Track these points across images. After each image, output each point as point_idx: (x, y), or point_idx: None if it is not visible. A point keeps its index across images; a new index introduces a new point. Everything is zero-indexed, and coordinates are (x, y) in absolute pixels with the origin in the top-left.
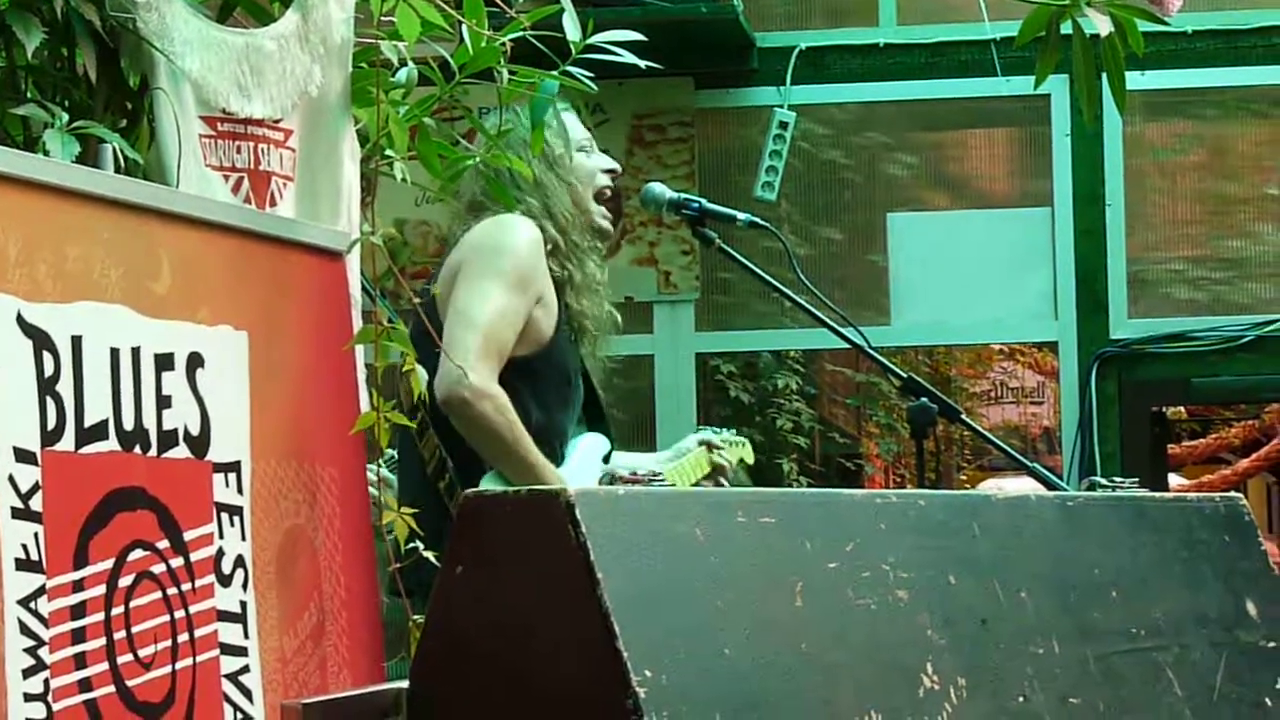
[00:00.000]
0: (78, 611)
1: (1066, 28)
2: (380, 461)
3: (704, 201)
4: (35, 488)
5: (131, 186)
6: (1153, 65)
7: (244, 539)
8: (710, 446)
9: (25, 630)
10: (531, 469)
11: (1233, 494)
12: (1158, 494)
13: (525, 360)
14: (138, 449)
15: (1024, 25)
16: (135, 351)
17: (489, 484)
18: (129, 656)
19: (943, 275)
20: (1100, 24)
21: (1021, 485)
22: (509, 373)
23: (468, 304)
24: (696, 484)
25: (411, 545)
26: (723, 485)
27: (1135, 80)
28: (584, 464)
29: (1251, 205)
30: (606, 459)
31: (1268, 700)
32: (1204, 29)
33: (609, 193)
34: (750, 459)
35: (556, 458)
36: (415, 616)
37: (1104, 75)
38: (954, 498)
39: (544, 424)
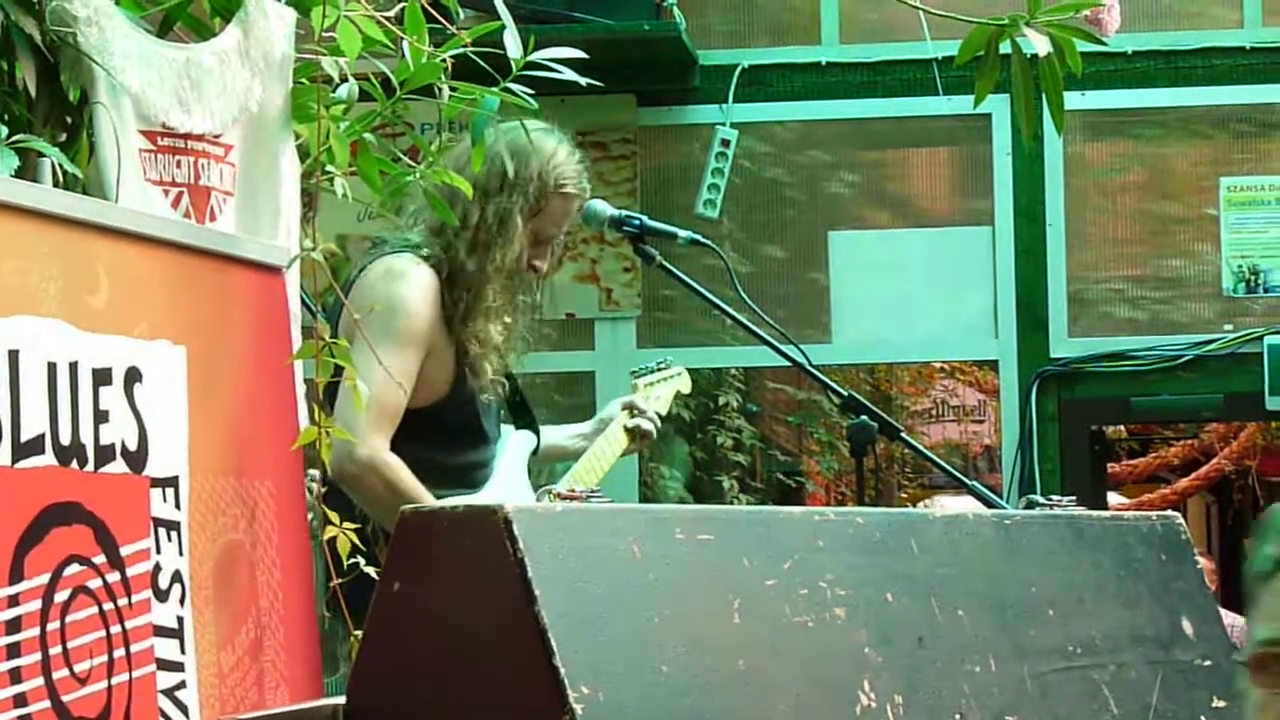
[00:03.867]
0: (12, 626)
1: (1006, 47)
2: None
3: (645, 219)
4: None
5: (70, 201)
6: (1093, 85)
7: (181, 554)
8: (632, 410)
9: None
10: None
11: (1169, 513)
12: (1095, 513)
13: (426, 410)
14: (75, 464)
15: (963, 45)
16: (73, 366)
17: None
18: (65, 671)
19: (884, 293)
20: (1039, 44)
21: (962, 503)
22: (411, 424)
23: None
24: (616, 461)
25: (353, 561)
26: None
27: (1076, 100)
28: (511, 466)
29: (1191, 225)
30: (535, 452)
31: (1203, 718)
32: (1144, 49)
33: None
34: (687, 388)
35: (477, 487)
36: (355, 632)
37: (1043, 95)
38: (892, 515)
39: (457, 465)
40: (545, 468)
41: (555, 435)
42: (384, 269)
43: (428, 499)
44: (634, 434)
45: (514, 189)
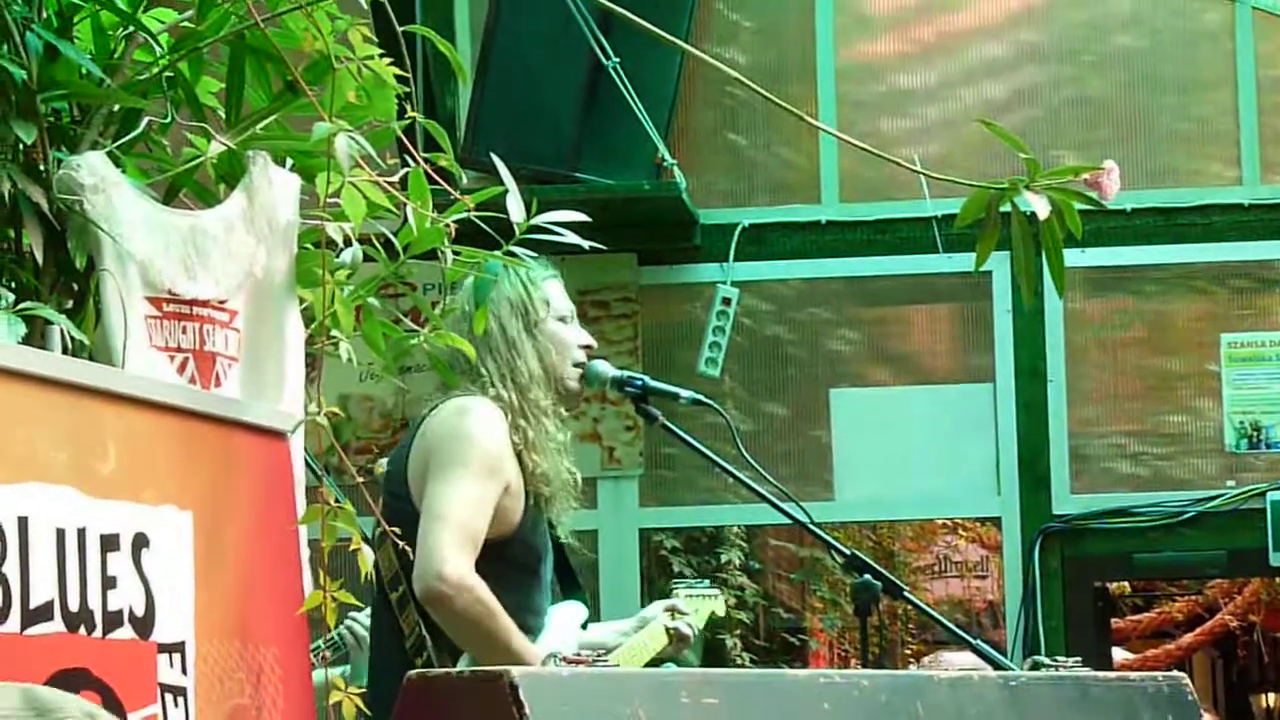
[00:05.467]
0: None
1: (1006, 207)
2: (321, 641)
3: (647, 379)
4: None
5: (77, 367)
6: (1093, 242)
7: (188, 719)
8: (674, 612)
9: None
10: (517, 656)
11: (1175, 673)
12: (1100, 674)
13: (495, 545)
14: (83, 630)
15: (964, 208)
16: (81, 532)
17: (468, 662)
18: None
19: (886, 450)
20: (1039, 207)
21: (966, 660)
22: (480, 559)
23: (439, 498)
24: (654, 658)
25: None
26: (684, 655)
27: (1076, 257)
28: (562, 635)
29: (1192, 381)
30: (584, 626)
31: None
32: (1143, 207)
33: (582, 368)
34: (721, 611)
35: (532, 633)
36: None
37: (1043, 254)
38: (897, 678)
39: (516, 606)
40: None
41: (598, 630)
42: (456, 407)
43: (512, 625)
44: (673, 635)
45: (498, 319)
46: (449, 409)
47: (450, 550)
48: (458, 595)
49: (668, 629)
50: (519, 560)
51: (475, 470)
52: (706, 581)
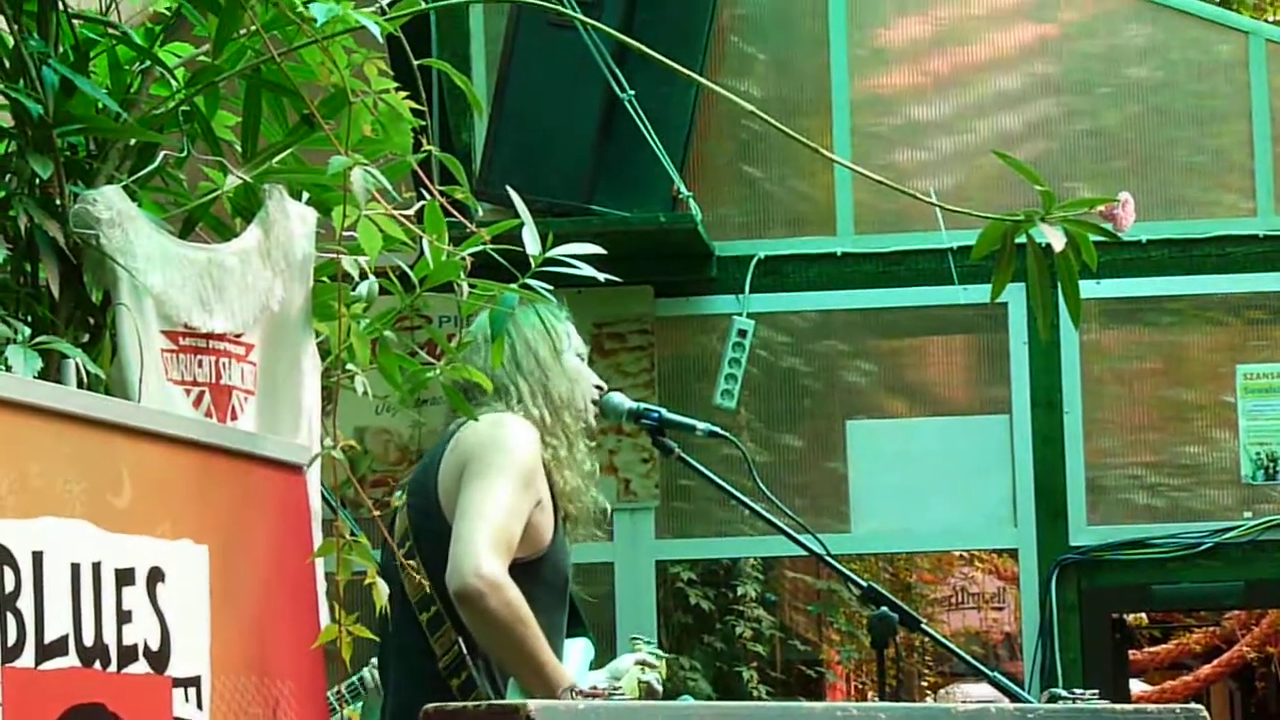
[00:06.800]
0: None
1: (1022, 239)
2: (343, 686)
3: (663, 411)
4: None
5: (93, 402)
6: (1108, 274)
7: None
8: (645, 665)
9: None
10: (543, 667)
11: (1193, 705)
12: (1118, 706)
13: (529, 565)
14: (98, 664)
15: (979, 240)
16: (96, 567)
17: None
18: None
19: (902, 482)
20: (1054, 240)
21: (984, 692)
22: (516, 578)
23: (477, 499)
24: None
25: None
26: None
27: (1091, 289)
28: (578, 672)
29: (1208, 412)
30: (591, 666)
31: None
32: (1158, 238)
33: (596, 404)
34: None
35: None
36: None
37: (1059, 287)
38: (913, 711)
39: (549, 628)
40: None
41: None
42: (492, 420)
43: (540, 634)
44: (644, 690)
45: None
46: (483, 422)
47: (486, 549)
48: (492, 594)
49: (640, 682)
50: (550, 579)
51: (512, 478)
52: (652, 643)
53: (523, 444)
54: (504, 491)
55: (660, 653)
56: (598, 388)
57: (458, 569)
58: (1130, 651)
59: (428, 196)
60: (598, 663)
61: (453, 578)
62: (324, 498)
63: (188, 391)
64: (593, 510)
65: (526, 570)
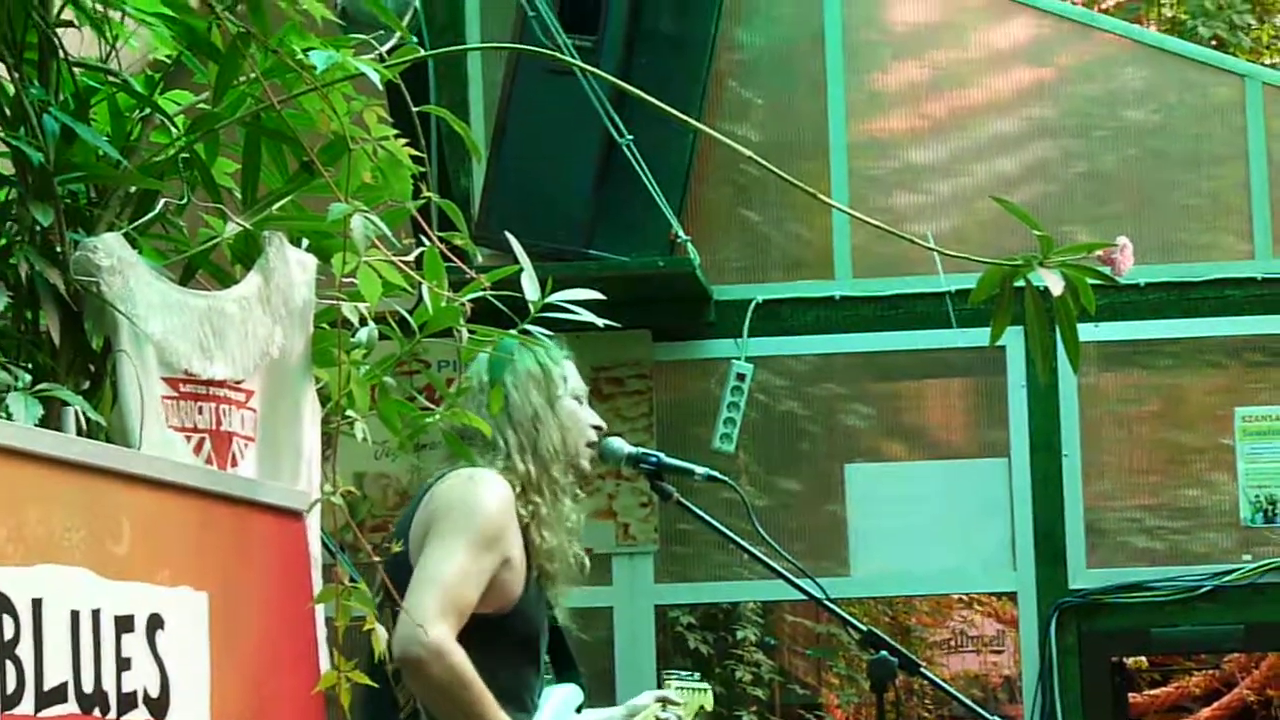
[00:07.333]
0: None
1: (1020, 283)
2: None
3: (662, 456)
4: None
5: (93, 449)
6: (1106, 317)
7: None
8: (666, 703)
9: None
10: None
11: None
12: None
13: (491, 619)
14: (97, 712)
15: (978, 285)
16: (95, 614)
17: None
18: None
19: (901, 526)
20: (1052, 284)
21: None
22: (474, 631)
23: (431, 562)
24: None
25: None
26: None
27: (1089, 332)
28: (557, 717)
29: (1207, 455)
30: (579, 709)
31: None
32: (1156, 281)
33: (595, 447)
34: (710, 705)
35: (529, 712)
36: None
37: (1057, 331)
38: None
39: (511, 682)
40: None
41: (590, 715)
42: (466, 476)
43: (489, 697)
44: None
45: (521, 391)
46: (457, 477)
47: (432, 616)
48: (434, 661)
49: (658, 718)
50: (518, 635)
51: (473, 540)
52: (697, 675)
53: (490, 504)
54: (460, 555)
55: (702, 685)
56: (597, 428)
57: (400, 636)
58: (1130, 695)
59: (427, 242)
60: (598, 706)
61: (395, 644)
62: (324, 543)
63: (188, 438)
64: (572, 569)
65: (492, 626)
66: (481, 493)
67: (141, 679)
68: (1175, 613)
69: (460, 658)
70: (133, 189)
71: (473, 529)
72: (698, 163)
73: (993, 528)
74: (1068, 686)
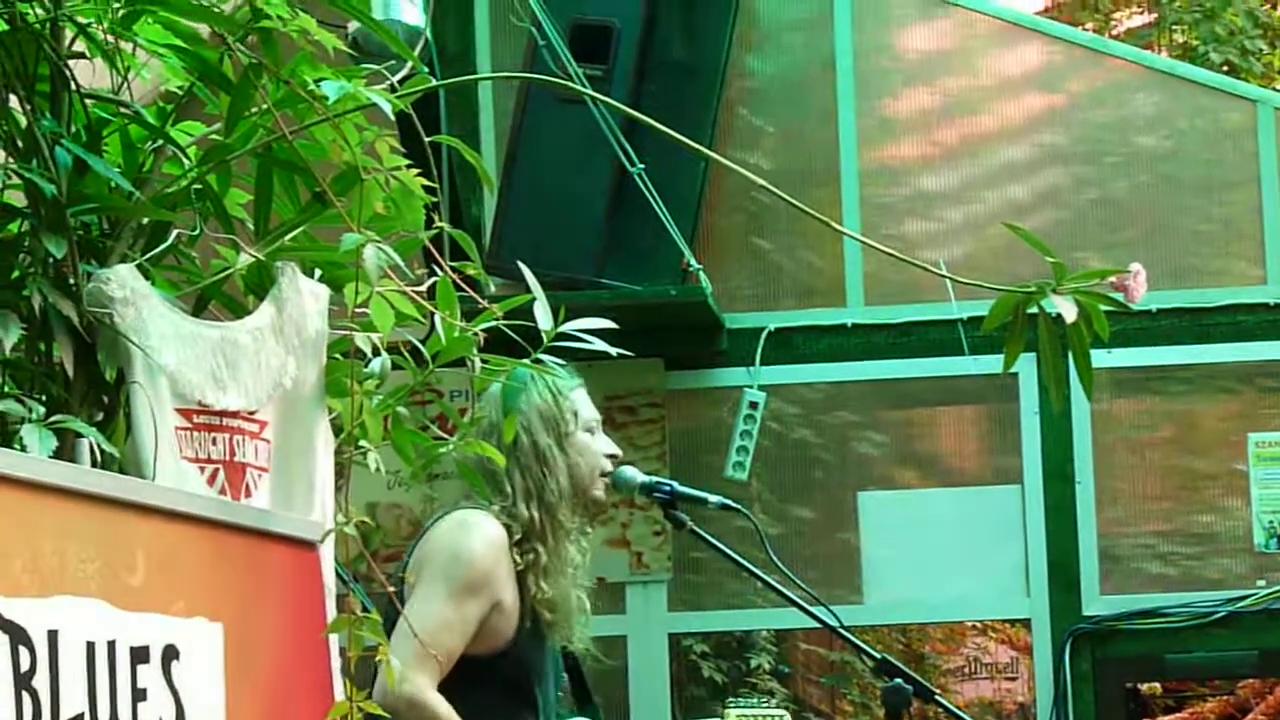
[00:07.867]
0: None
1: (1033, 309)
2: None
3: (675, 485)
4: None
5: (108, 481)
6: (1119, 343)
7: None
8: None
9: None
10: None
11: None
12: None
13: (481, 660)
14: None
15: (991, 312)
16: (111, 645)
17: None
18: None
19: (914, 553)
20: (1065, 311)
21: None
22: (465, 674)
23: (415, 611)
24: None
25: None
26: None
27: (1102, 358)
28: None
29: (1220, 481)
30: None
31: None
32: (1169, 307)
33: (609, 477)
34: None
35: None
36: None
37: (1070, 357)
38: None
39: None
40: None
41: None
42: (457, 520)
43: None
44: None
45: (530, 432)
46: (451, 521)
47: (409, 666)
48: (407, 711)
49: None
50: (511, 678)
51: (457, 589)
52: (771, 699)
53: (477, 550)
54: (443, 604)
55: (776, 712)
56: (612, 457)
57: (378, 685)
58: None
59: (439, 272)
60: None
61: (375, 695)
62: (337, 573)
63: (202, 469)
64: (574, 614)
65: (482, 667)
66: (469, 540)
67: (157, 710)
68: (1189, 639)
69: (434, 709)
70: (145, 220)
71: (457, 577)
72: (709, 191)
73: (1006, 554)
74: (1082, 713)
